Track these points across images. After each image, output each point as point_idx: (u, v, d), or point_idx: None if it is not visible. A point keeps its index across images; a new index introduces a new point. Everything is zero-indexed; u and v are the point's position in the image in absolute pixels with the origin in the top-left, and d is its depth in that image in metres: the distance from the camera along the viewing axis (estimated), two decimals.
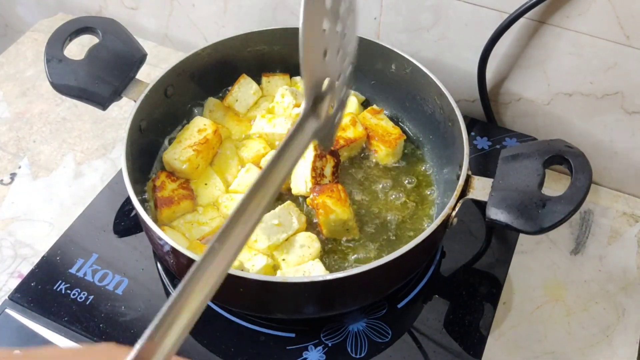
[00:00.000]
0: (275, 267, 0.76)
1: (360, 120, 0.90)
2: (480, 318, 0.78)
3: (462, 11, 0.90)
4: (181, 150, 0.82)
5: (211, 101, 0.92)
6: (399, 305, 0.79)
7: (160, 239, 0.66)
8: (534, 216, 0.66)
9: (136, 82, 0.84)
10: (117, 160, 0.99)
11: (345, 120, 0.89)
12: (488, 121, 1.01)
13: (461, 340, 0.76)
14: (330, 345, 0.75)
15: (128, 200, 0.88)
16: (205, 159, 0.83)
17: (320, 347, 0.75)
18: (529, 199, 0.67)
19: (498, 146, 0.96)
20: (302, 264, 0.74)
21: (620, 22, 0.80)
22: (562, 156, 0.70)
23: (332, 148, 0.85)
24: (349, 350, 0.74)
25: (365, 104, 0.97)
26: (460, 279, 0.83)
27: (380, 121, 0.91)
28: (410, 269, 0.75)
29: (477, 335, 0.77)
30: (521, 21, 0.86)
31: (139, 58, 0.85)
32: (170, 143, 0.87)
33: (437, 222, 0.68)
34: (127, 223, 0.87)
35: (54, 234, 0.89)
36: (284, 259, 0.75)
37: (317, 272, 0.73)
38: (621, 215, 0.94)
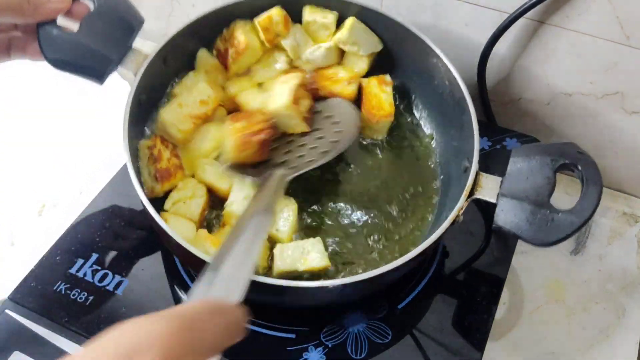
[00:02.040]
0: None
1: (364, 84, 0.87)
2: (481, 318, 0.78)
3: (462, 11, 0.90)
4: (181, 118, 0.80)
5: (205, 58, 0.88)
6: (399, 306, 0.79)
7: (178, 242, 0.65)
8: (543, 230, 0.66)
9: (134, 52, 0.79)
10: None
11: (342, 74, 0.87)
12: (488, 121, 1.01)
13: (461, 340, 0.76)
14: (330, 346, 0.75)
15: (129, 198, 0.88)
16: (199, 128, 0.83)
17: (320, 348, 0.75)
18: (539, 211, 0.67)
19: (498, 146, 0.96)
20: (302, 241, 0.74)
21: (620, 22, 0.80)
22: (575, 164, 0.69)
23: (314, 91, 0.84)
24: (349, 351, 0.74)
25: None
26: (460, 280, 0.83)
27: (381, 93, 0.87)
28: (412, 269, 0.75)
29: (477, 335, 0.76)
30: (521, 21, 0.86)
31: (137, 25, 0.79)
32: None
33: (446, 225, 0.68)
34: (126, 222, 0.87)
35: (53, 233, 0.88)
36: (277, 230, 0.76)
37: (316, 252, 0.73)
38: (621, 215, 0.94)
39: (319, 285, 0.65)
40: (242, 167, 0.79)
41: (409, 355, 0.75)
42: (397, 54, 0.91)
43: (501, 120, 1.02)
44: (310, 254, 0.73)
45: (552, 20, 0.85)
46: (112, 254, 0.83)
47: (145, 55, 0.79)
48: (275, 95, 0.81)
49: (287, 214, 0.78)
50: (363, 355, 0.74)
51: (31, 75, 1.14)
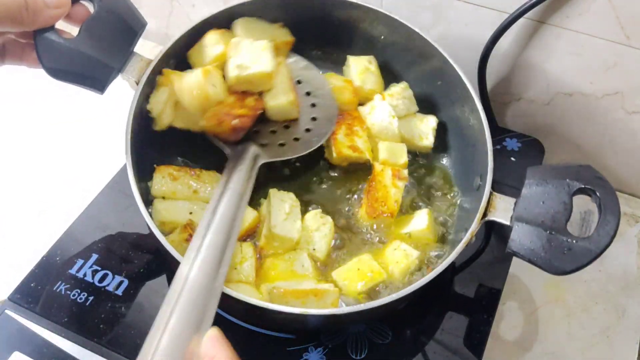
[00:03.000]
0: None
1: (377, 169, 0.80)
2: (481, 318, 0.78)
3: (462, 11, 0.90)
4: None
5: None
6: (399, 306, 0.79)
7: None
8: (559, 258, 0.65)
9: (136, 58, 0.76)
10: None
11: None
12: (488, 121, 1.01)
13: (461, 340, 0.76)
14: (330, 346, 0.75)
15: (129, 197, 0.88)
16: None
17: (320, 349, 0.75)
18: (556, 238, 0.65)
19: (498, 146, 0.96)
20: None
21: (620, 22, 0.80)
22: (593, 189, 0.67)
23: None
24: (349, 351, 0.74)
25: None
26: (460, 280, 0.83)
27: (392, 187, 0.78)
28: None
29: (477, 335, 0.76)
30: (521, 21, 0.86)
31: (139, 29, 0.76)
32: None
33: (459, 249, 0.67)
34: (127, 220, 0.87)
35: (53, 234, 0.88)
36: (314, 249, 0.75)
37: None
38: (621, 215, 0.94)
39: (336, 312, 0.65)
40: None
41: (409, 355, 0.75)
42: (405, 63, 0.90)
43: (501, 120, 1.02)
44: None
45: (552, 20, 0.85)
46: (113, 253, 0.83)
47: (148, 61, 0.76)
48: (277, 93, 0.80)
49: (324, 232, 0.77)
50: (363, 356, 0.74)
51: (30, 76, 1.14)
